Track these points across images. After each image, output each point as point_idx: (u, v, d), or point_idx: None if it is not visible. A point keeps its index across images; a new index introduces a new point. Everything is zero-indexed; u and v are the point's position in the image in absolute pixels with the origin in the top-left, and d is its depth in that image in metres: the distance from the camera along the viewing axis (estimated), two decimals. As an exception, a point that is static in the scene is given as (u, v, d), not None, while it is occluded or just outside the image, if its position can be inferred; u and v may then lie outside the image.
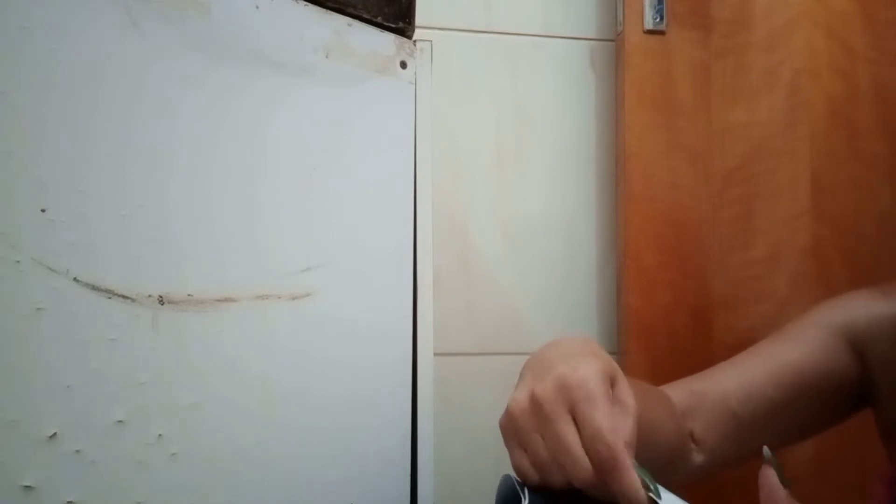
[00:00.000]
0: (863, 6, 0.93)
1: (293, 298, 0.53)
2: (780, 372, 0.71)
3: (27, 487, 0.42)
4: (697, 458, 0.61)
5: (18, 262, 0.43)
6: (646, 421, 0.48)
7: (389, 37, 0.59)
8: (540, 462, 0.40)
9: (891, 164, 0.92)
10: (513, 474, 0.43)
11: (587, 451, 0.39)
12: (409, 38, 0.61)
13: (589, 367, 0.41)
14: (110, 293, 0.46)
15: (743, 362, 0.71)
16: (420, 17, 0.63)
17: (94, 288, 0.45)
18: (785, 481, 0.43)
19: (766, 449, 0.45)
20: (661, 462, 0.56)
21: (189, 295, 0.48)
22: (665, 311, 0.99)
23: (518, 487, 0.42)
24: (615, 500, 0.38)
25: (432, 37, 0.64)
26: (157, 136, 0.48)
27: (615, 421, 0.40)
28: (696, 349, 0.99)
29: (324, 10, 0.56)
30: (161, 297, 0.47)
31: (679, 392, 0.62)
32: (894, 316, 0.72)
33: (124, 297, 0.46)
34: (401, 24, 0.60)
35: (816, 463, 0.89)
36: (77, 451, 0.44)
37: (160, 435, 0.47)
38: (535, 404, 0.41)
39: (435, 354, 0.60)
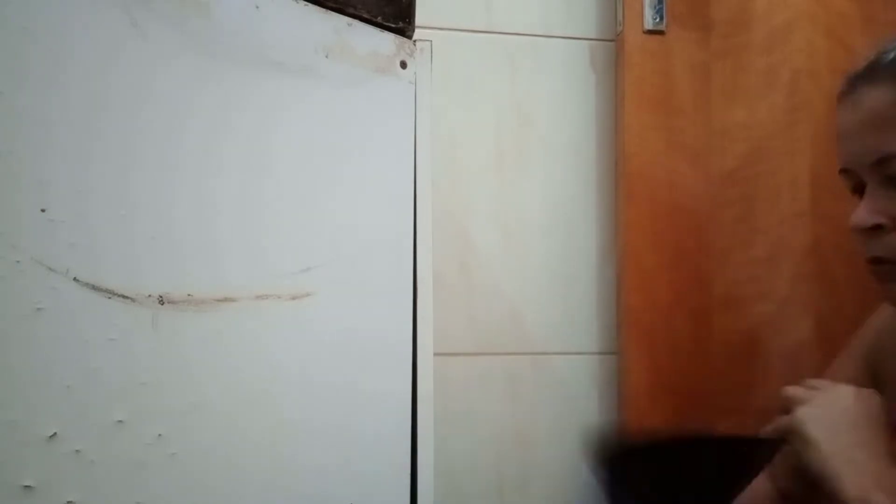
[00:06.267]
0: (862, 7, 0.93)
1: (293, 298, 0.53)
2: None
3: (27, 487, 0.42)
4: None
5: (18, 262, 0.43)
6: None
7: (389, 37, 0.60)
8: None
9: (890, 164, 0.92)
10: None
11: None
12: (409, 38, 0.61)
13: None
14: (110, 293, 0.46)
15: None
16: (420, 17, 0.63)
17: (94, 288, 0.45)
18: None
19: None
20: None
21: (189, 295, 0.48)
22: (665, 311, 0.99)
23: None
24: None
25: (432, 37, 0.64)
26: (157, 135, 0.48)
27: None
28: (695, 349, 0.99)
29: (324, 9, 0.56)
30: (161, 297, 0.47)
31: None
32: None
33: (124, 297, 0.46)
34: (401, 24, 0.60)
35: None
36: (77, 451, 0.44)
37: (160, 435, 0.47)
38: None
39: (435, 354, 0.60)
